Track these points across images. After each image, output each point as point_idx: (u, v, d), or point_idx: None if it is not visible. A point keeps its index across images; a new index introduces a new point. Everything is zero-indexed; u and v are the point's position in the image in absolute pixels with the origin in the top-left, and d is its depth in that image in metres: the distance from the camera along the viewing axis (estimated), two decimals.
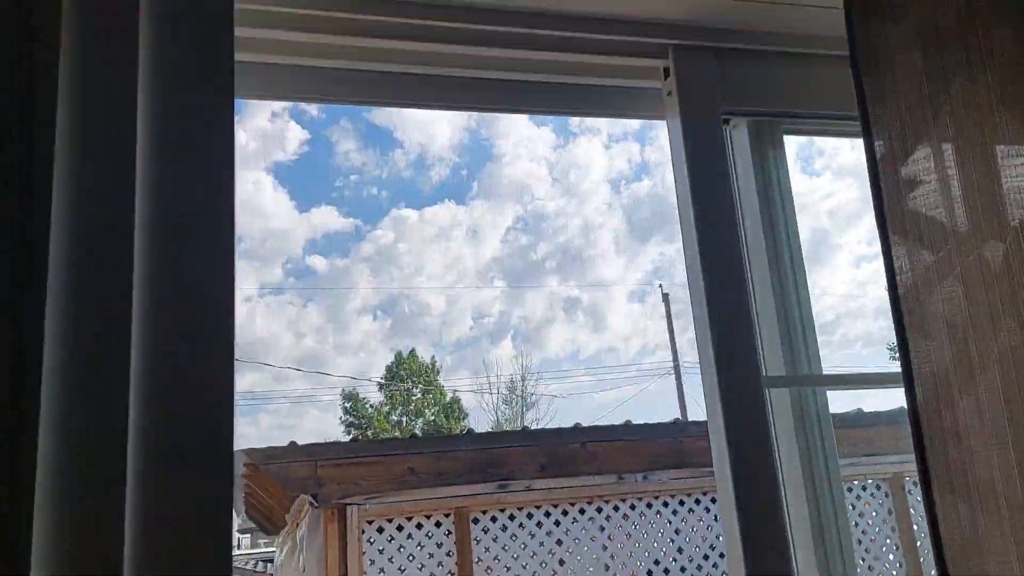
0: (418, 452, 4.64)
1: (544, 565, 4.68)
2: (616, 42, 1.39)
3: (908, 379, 1.18)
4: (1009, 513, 1.06)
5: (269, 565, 10.61)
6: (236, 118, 1.02)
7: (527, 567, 4.64)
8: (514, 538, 4.68)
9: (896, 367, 1.33)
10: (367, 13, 1.24)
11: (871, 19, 1.26)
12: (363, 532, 4.42)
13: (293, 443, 4.58)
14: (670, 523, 4.94)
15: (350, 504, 4.39)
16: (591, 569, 4.74)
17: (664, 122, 1.47)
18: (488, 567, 4.58)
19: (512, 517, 4.70)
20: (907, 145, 1.22)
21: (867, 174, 1.24)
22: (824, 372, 1.54)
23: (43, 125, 0.85)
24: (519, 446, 4.89)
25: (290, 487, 4.41)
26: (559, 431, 5.25)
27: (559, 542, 4.74)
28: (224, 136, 0.99)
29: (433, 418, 27.73)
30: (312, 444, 4.69)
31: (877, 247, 1.24)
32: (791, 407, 1.45)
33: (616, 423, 5.35)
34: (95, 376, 0.84)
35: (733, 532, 1.25)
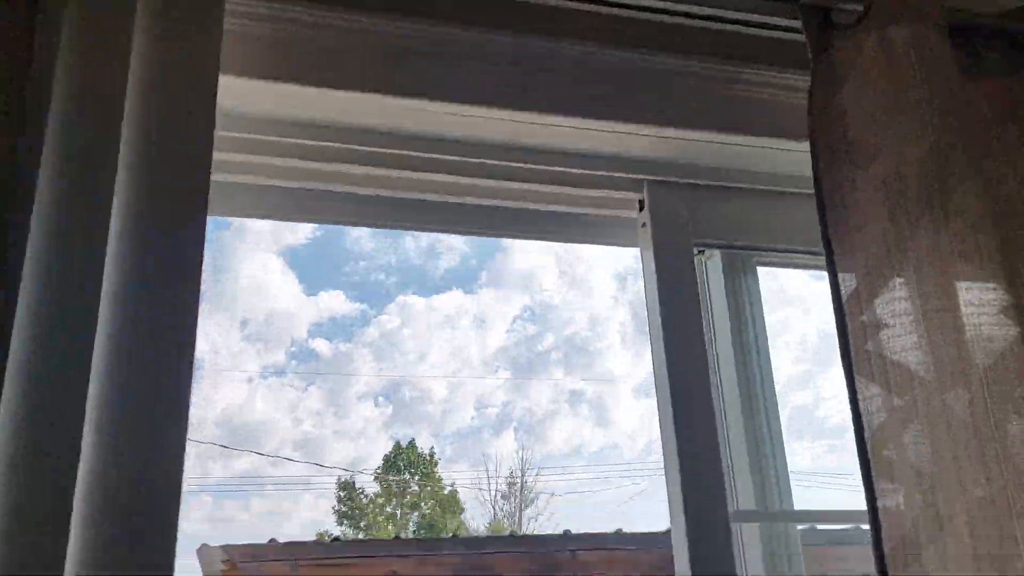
0: (402, 555, 4.51)
1: None
2: (595, 176, 1.44)
3: (875, 528, 1.16)
4: None
5: None
6: None
7: None
8: None
9: None
10: (346, 143, 1.29)
11: (837, 164, 1.30)
12: None
13: (273, 540, 4.46)
14: None
15: None
16: None
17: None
18: None
19: None
20: (872, 288, 1.24)
21: (834, 315, 1.26)
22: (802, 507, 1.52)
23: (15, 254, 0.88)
24: (507, 552, 4.76)
25: None
26: (549, 538, 5.13)
27: None
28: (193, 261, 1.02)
29: (429, 511, 27.14)
30: (293, 543, 4.57)
31: None
32: (760, 540, 1.43)
33: (608, 530, 5.21)
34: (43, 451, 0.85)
35: None
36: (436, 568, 4.56)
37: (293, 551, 4.41)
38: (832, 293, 1.25)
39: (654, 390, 1.42)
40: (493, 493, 27.79)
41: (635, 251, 1.49)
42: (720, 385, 1.48)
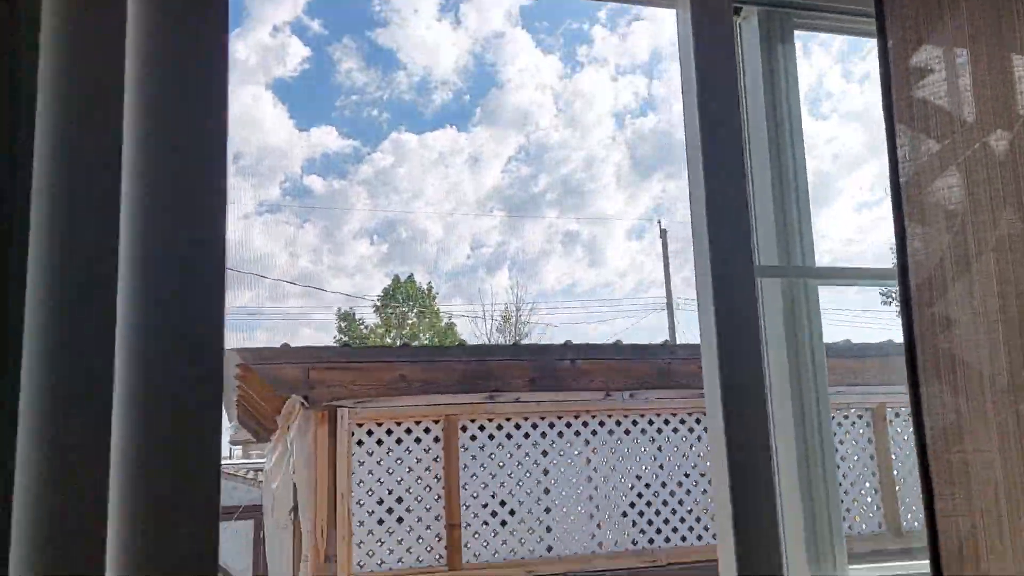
0: (409, 360, 4.70)
1: (529, 474, 4.80)
2: None
3: (903, 266, 1.18)
4: (992, 396, 1.08)
5: (260, 474, 10.83)
6: (235, 32, 1.01)
7: (512, 475, 4.76)
8: (501, 447, 4.78)
9: (888, 263, 1.34)
10: None
11: None
12: (352, 434, 4.51)
13: (286, 345, 4.63)
14: (653, 440, 5.05)
15: (340, 407, 4.46)
16: (574, 480, 4.87)
17: (676, 32, 1.44)
18: (474, 473, 4.70)
19: (500, 427, 4.79)
20: (920, 35, 1.19)
21: (878, 67, 1.22)
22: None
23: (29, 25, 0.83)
24: (509, 360, 4.95)
25: (281, 389, 4.48)
26: (549, 347, 5.32)
27: (544, 453, 4.85)
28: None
29: (427, 342, 27.99)
30: (304, 347, 4.74)
31: (880, 194, 1.23)
32: (782, 298, 1.46)
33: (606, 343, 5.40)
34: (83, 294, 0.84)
35: (716, 416, 1.26)
36: (442, 374, 4.75)
37: (305, 355, 4.58)
38: (879, 40, 1.21)
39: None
40: (489, 326, 28.59)
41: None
42: (749, 146, 1.46)
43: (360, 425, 4.55)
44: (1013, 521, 1.07)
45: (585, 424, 4.95)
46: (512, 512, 4.72)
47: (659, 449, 5.06)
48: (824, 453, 1.40)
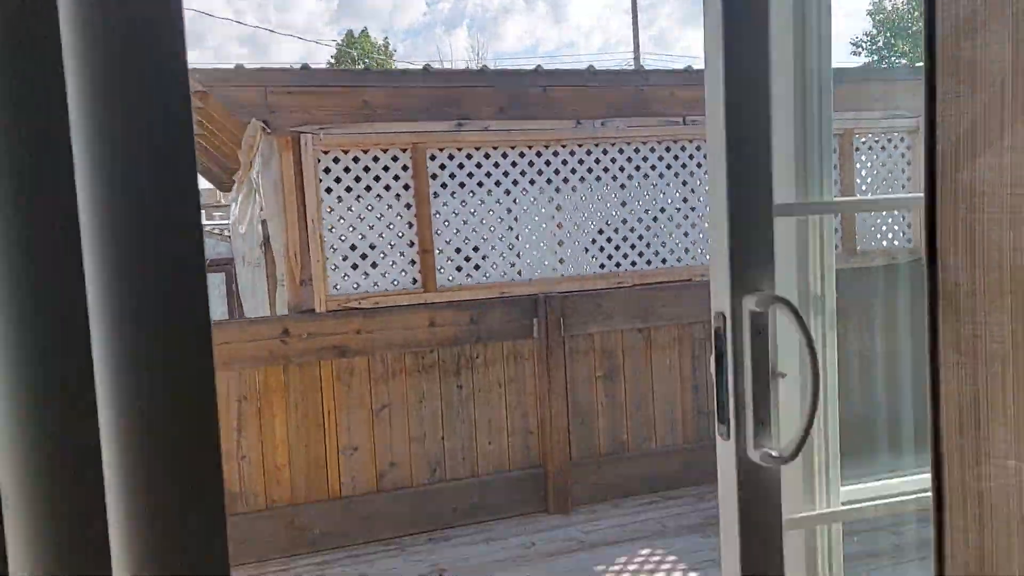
0: (373, 86, 4.48)
1: (499, 203, 4.81)
2: None
3: None
4: (1012, 88, 1.00)
5: (227, 230, 10.80)
6: None
7: (483, 203, 4.77)
8: (471, 176, 4.74)
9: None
10: None
11: None
12: (319, 161, 4.40)
13: (240, 66, 4.34)
14: (623, 170, 5.04)
15: (304, 133, 4.31)
16: (543, 209, 4.91)
17: None
18: (445, 202, 4.69)
19: (469, 156, 4.71)
20: None
21: None
22: None
23: None
24: (478, 87, 4.75)
25: (239, 113, 4.27)
26: (520, 73, 5.10)
27: (515, 182, 4.83)
28: None
29: None
30: (261, 69, 4.47)
31: None
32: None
33: (580, 67, 5.19)
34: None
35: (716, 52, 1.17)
36: (407, 99, 4.56)
37: (262, 77, 4.33)
38: None
39: None
40: None
41: None
42: None
43: (326, 152, 4.42)
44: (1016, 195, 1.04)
45: (555, 154, 4.89)
46: (484, 239, 4.78)
47: (629, 178, 5.06)
48: (822, 100, 1.35)
